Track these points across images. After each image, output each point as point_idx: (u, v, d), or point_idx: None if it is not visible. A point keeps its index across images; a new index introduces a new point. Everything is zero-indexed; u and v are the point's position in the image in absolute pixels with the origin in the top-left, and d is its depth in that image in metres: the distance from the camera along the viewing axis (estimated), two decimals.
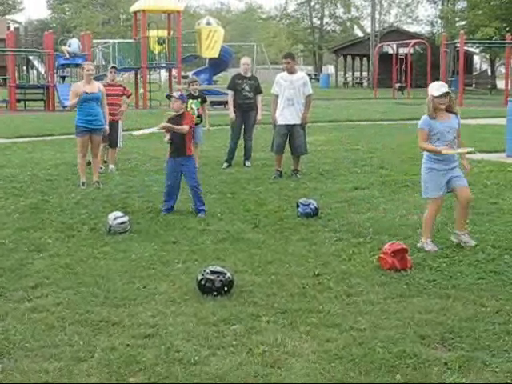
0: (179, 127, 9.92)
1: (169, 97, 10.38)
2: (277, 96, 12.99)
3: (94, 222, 9.59)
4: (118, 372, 4.96)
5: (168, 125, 10.09)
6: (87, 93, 11.94)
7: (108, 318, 6.00)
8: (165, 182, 10.23)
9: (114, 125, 13.71)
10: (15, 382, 4.81)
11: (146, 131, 11.42)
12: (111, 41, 40.02)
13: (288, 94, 12.80)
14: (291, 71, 12.95)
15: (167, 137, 10.11)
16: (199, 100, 13.88)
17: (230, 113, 14.39)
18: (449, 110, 8.31)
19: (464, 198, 8.24)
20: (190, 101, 13.65)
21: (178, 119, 10.09)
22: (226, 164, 14.38)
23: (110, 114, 13.34)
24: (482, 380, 4.81)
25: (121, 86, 14.40)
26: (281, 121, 12.93)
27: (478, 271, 7.23)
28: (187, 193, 11.34)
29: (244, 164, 14.43)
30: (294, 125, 12.86)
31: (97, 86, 12.16)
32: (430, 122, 8.26)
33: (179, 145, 10.01)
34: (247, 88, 14.30)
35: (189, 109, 13.61)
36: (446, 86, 8.37)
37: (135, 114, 26.95)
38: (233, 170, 13.80)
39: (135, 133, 11.35)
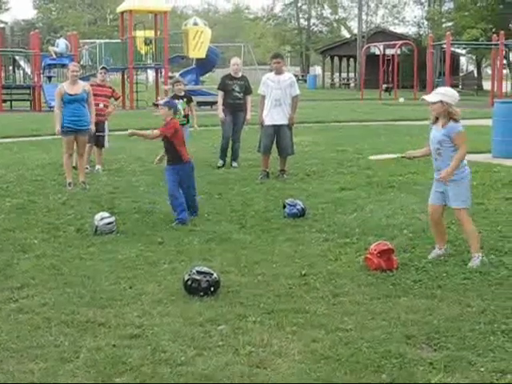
0: (144, 132, 10.10)
1: (155, 105, 10.28)
2: (263, 97, 12.98)
3: (81, 222, 9.57)
4: (103, 372, 4.95)
5: (134, 131, 10.19)
6: (70, 94, 11.89)
7: (94, 319, 5.98)
8: (170, 191, 9.67)
9: (100, 126, 13.68)
10: (0, 383, 4.79)
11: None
12: (98, 41, 39.92)
13: (275, 95, 12.79)
14: (279, 72, 12.94)
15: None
16: (185, 100, 13.89)
17: (220, 113, 14.38)
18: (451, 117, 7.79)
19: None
20: (176, 101, 13.63)
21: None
22: (221, 162, 14.47)
23: (97, 114, 13.31)
24: (467, 379, 4.82)
25: (110, 87, 14.35)
26: (268, 121, 12.92)
27: (464, 271, 7.25)
28: None
29: (231, 165, 14.44)
30: (280, 125, 12.85)
31: (81, 87, 12.11)
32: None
33: (172, 153, 9.77)
34: (237, 88, 14.30)
35: None
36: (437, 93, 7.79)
37: (122, 115, 26.89)
38: (220, 171, 13.81)
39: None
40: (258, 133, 13.64)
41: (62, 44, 34.82)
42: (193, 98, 14.72)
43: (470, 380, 4.82)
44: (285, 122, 12.85)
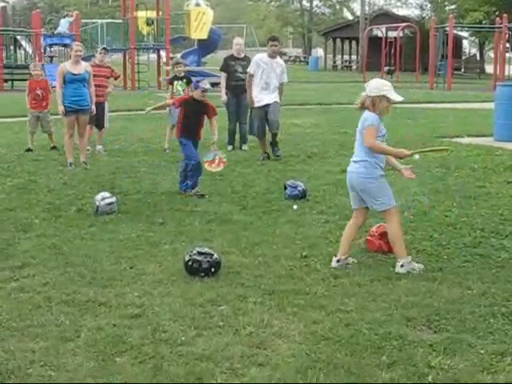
0: (163, 103, 11.00)
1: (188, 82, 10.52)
2: (252, 76, 12.92)
3: (82, 202, 9.57)
4: (104, 352, 4.96)
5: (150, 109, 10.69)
6: (73, 74, 11.87)
7: (95, 298, 5.99)
8: (188, 160, 10.13)
9: (100, 106, 13.65)
10: (1, 361, 4.80)
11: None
12: (99, 21, 39.77)
13: (266, 78, 12.77)
14: (273, 55, 12.92)
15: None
16: (184, 81, 13.89)
17: (222, 95, 14.25)
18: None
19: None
20: (176, 82, 13.90)
21: (200, 106, 10.10)
22: (230, 147, 14.31)
23: (97, 95, 13.27)
24: (467, 362, 4.83)
25: (109, 67, 14.29)
26: (257, 103, 12.91)
27: (465, 254, 7.26)
28: (174, 173, 11.35)
29: (241, 148, 14.36)
30: (269, 104, 12.89)
31: (83, 67, 12.08)
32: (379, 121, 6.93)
33: (193, 127, 10.11)
34: (240, 69, 14.12)
35: (175, 90, 13.87)
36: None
37: (123, 95, 26.85)
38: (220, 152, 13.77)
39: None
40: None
41: (64, 24, 34.68)
42: (193, 79, 14.74)
43: (470, 362, 4.82)
44: (274, 99, 12.88)
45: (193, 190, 9.94)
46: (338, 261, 6.87)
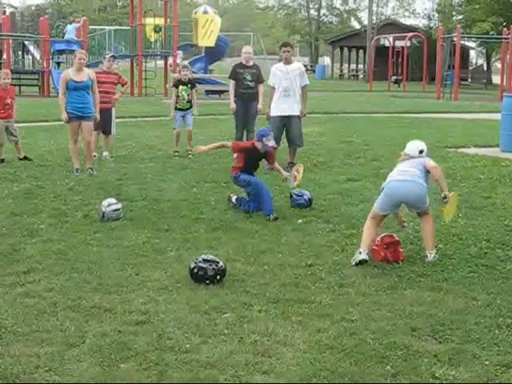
0: (219, 144, 10.51)
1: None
2: (273, 88, 12.86)
3: (88, 208, 9.59)
4: (109, 358, 4.97)
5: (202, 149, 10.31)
6: (75, 81, 11.88)
7: (100, 304, 6.00)
8: (250, 189, 9.69)
9: (107, 112, 13.68)
10: (7, 366, 4.81)
11: None
12: (107, 28, 39.87)
13: (284, 85, 12.65)
14: (288, 61, 12.83)
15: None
16: (189, 86, 14.45)
17: (231, 103, 14.20)
18: None
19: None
20: (181, 87, 14.41)
21: (259, 154, 9.96)
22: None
23: (104, 101, 13.29)
24: (471, 372, 4.83)
25: (116, 74, 14.29)
26: (276, 112, 12.80)
27: (470, 265, 7.26)
28: (181, 181, 11.37)
29: None
30: (290, 116, 12.71)
31: (87, 74, 12.08)
32: None
33: (250, 169, 9.98)
34: (249, 77, 14.07)
35: (179, 94, 14.34)
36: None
37: (130, 102, 26.91)
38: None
39: None
40: (266, 123, 13.60)
41: (71, 30, 34.77)
42: (197, 85, 15.10)
43: (475, 373, 4.82)
44: (294, 112, 12.71)
45: (271, 216, 9.28)
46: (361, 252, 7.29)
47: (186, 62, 29.71)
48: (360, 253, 7.25)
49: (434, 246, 7.59)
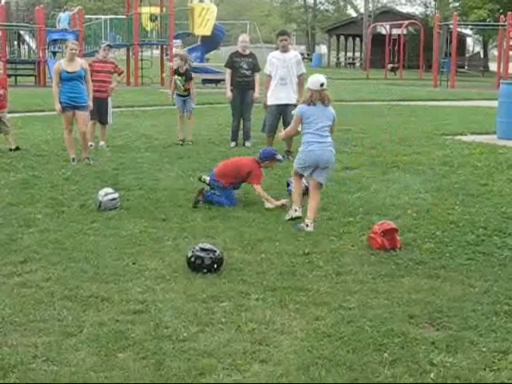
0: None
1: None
2: (270, 76, 12.83)
3: (84, 198, 9.57)
4: (106, 347, 4.97)
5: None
6: (68, 72, 11.84)
7: (97, 294, 6.00)
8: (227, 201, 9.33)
9: (103, 102, 13.65)
10: (4, 356, 4.81)
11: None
12: (103, 17, 39.72)
13: (281, 73, 12.61)
14: (285, 49, 12.78)
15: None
16: (183, 78, 14.42)
17: (227, 92, 14.17)
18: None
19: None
20: (176, 76, 14.44)
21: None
22: (233, 143, 14.29)
23: (100, 91, 13.29)
24: (469, 359, 4.83)
25: (112, 63, 14.24)
26: (273, 101, 12.77)
27: (467, 252, 7.26)
28: (177, 170, 11.35)
29: (244, 144, 14.31)
30: (286, 104, 12.64)
31: (79, 64, 12.03)
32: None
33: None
34: (245, 66, 14.03)
35: (175, 82, 14.50)
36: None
37: (127, 91, 26.85)
38: (223, 148, 13.77)
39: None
40: (263, 112, 13.57)
41: (65, 18, 34.63)
42: (193, 76, 15.05)
43: (472, 360, 4.83)
44: (291, 101, 12.62)
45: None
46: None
47: (183, 51, 29.60)
48: (295, 210, 8.46)
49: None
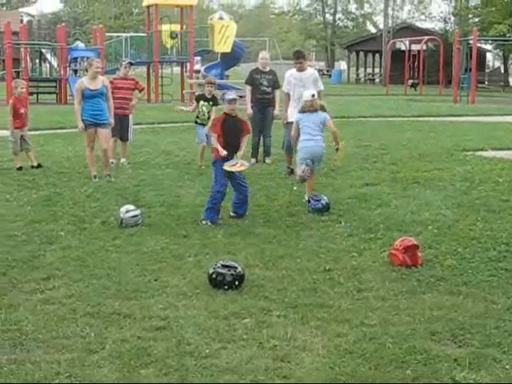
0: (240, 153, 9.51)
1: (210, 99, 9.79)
2: (288, 94, 12.83)
3: (106, 215, 9.63)
4: (129, 364, 4.99)
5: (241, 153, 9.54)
6: (91, 89, 11.96)
7: (119, 311, 6.03)
8: (214, 187, 9.42)
9: (124, 119, 13.75)
10: (28, 372, 4.84)
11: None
12: (124, 35, 40.05)
13: (298, 93, 12.43)
14: (301, 69, 12.78)
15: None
16: (210, 103, 13.61)
17: (248, 109, 14.18)
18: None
19: None
20: (202, 102, 13.60)
21: (235, 122, 9.52)
22: (253, 160, 14.14)
23: (121, 107, 13.40)
24: (492, 376, 4.81)
25: (133, 79, 14.35)
26: (291, 118, 12.77)
27: (490, 268, 7.23)
28: (198, 187, 11.39)
29: (264, 161, 14.32)
30: None
31: (101, 81, 12.16)
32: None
33: (235, 148, 9.42)
34: (265, 83, 14.07)
35: (200, 109, 13.63)
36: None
37: (147, 108, 27.01)
38: None
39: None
40: (282, 129, 13.59)
41: (80, 46, 35.16)
42: (218, 101, 13.71)
43: (495, 377, 4.80)
44: None
45: (207, 222, 9.22)
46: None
47: (202, 69, 29.73)
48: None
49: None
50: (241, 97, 13.57)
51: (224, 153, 9.22)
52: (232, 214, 9.57)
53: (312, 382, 4.73)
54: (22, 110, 13.56)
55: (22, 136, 13.51)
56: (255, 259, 7.58)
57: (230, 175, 9.41)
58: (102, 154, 12.21)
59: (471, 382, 4.73)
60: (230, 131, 9.40)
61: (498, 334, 5.54)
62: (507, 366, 4.96)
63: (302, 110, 10.54)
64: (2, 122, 16.89)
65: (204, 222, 9.13)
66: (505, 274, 7.05)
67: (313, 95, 10.59)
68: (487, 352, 5.19)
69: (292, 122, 12.63)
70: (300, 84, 12.57)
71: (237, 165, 9.39)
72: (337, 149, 10.72)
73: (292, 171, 12.88)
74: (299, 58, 12.83)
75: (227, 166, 9.30)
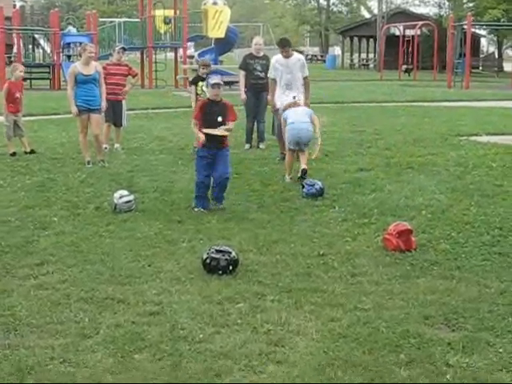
0: (228, 127, 9.11)
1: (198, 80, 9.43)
2: (274, 80, 12.65)
3: (100, 200, 9.61)
4: (122, 349, 4.99)
5: (229, 128, 9.15)
6: (84, 75, 11.92)
7: (113, 296, 6.03)
8: (196, 177, 9.28)
9: (118, 104, 13.71)
10: (21, 357, 4.84)
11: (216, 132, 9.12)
12: (117, 20, 39.88)
13: (285, 79, 12.26)
14: (287, 56, 12.56)
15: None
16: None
17: (242, 94, 14.12)
18: None
19: None
20: (201, 83, 13.45)
21: (218, 108, 9.15)
22: (247, 145, 14.22)
23: (114, 93, 13.36)
24: (485, 360, 4.82)
25: (126, 65, 14.28)
26: (280, 105, 12.64)
27: (483, 253, 7.24)
28: (192, 172, 11.36)
29: (258, 146, 14.30)
30: None
31: (94, 67, 12.12)
32: None
33: (219, 137, 9.05)
34: (259, 68, 14.00)
35: (199, 91, 13.45)
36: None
37: (141, 94, 26.93)
38: (237, 151, 13.74)
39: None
40: (272, 114, 13.55)
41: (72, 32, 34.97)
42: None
43: (489, 361, 4.82)
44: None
45: (199, 209, 9.11)
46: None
47: (196, 54, 29.63)
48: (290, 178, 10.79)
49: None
50: (234, 82, 13.33)
51: (202, 138, 8.93)
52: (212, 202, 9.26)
53: (306, 366, 4.73)
54: (18, 95, 13.49)
55: (15, 121, 13.45)
56: (249, 244, 7.58)
57: (213, 167, 9.08)
58: (94, 139, 12.18)
59: (465, 365, 4.74)
60: (211, 118, 9.03)
61: (492, 317, 5.55)
62: (500, 350, 4.97)
63: (286, 108, 11.27)
64: None
65: (196, 210, 9.11)
66: (498, 259, 7.06)
67: (294, 97, 11.51)
68: (480, 336, 5.20)
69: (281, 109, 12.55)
70: (287, 70, 12.35)
71: (217, 130, 8.98)
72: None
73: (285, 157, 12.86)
74: (285, 46, 12.49)
75: (207, 130, 8.93)
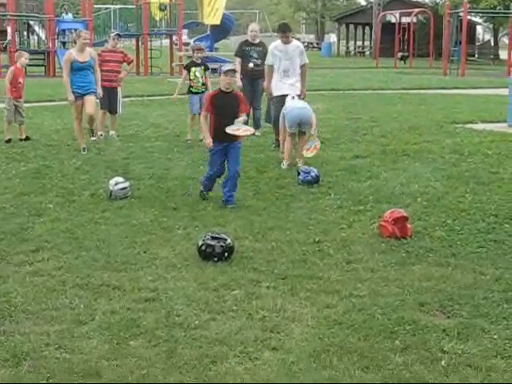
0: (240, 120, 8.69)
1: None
2: (271, 66, 12.58)
3: (95, 187, 9.60)
4: (118, 335, 4.99)
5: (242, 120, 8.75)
6: (80, 62, 11.90)
7: (108, 282, 6.03)
8: (208, 170, 9.07)
9: (113, 91, 13.65)
10: (17, 344, 4.84)
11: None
12: (112, 7, 39.69)
13: (283, 66, 12.17)
14: (286, 42, 12.49)
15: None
16: (202, 68, 13.51)
17: (238, 81, 14.02)
18: None
19: None
20: (194, 68, 13.45)
21: (229, 99, 8.77)
22: None
23: (110, 80, 13.32)
24: (480, 347, 4.84)
25: (122, 52, 14.21)
26: (276, 92, 12.53)
27: (478, 240, 7.26)
28: (187, 159, 11.36)
29: (253, 133, 14.19)
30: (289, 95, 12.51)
31: (89, 53, 12.11)
32: None
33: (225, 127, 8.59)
34: (255, 55, 13.95)
35: (192, 76, 13.45)
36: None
37: (136, 81, 26.86)
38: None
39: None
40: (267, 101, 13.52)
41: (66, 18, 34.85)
42: (208, 65, 14.08)
43: (483, 347, 4.83)
44: (294, 91, 12.43)
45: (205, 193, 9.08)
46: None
47: (192, 41, 29.54)
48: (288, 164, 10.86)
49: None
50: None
51: (210, 144, 8.63)
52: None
53: (301, 353, 4.74)
54: (21, 80, 13.58)
55: (16, 107, 13.45)
56: (245, 231, 7.58)
57: (226, 162, 8.86)
58: (88, 118, 12.18)
59: (459, 352, 4.76)
60: (224, 110, 8.63)
61: (487, 304, 5.56)
62: (495, 336, 4.99)
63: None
64: None
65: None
66: (493, 246, 7.08)
67: (293, 97, 11.51)
68: (475, 322, 5.22)
69: (277, 96, 12.49)
70: (286, 57, 12.25)
71: (240, 130, 8.65)
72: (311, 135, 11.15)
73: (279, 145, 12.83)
74: (285, 31, 12.38)
75: (230, 130, 8.53)
